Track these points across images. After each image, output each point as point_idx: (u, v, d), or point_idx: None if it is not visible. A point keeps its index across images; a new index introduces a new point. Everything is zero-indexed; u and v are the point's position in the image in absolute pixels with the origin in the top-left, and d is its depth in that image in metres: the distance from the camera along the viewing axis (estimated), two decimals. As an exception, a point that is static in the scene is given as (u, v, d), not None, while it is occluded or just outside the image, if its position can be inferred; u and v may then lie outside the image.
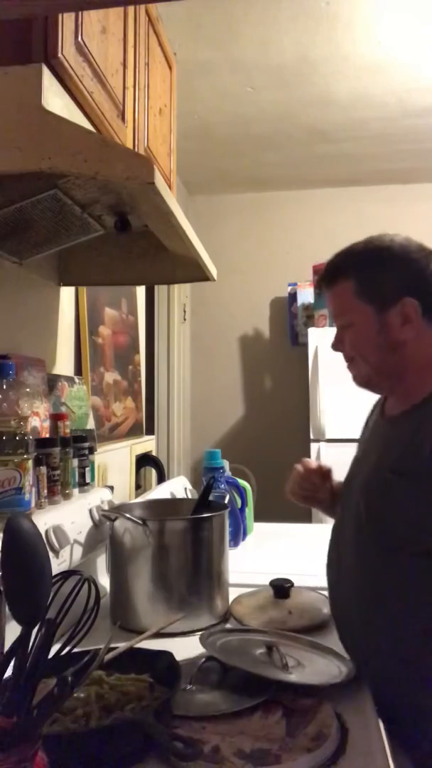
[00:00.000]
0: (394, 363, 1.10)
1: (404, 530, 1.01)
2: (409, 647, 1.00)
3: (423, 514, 0.98)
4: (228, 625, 1.26)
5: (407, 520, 1.01)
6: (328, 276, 1.16)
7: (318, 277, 1.21)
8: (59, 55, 0.94)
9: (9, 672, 0.66)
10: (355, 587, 1.09)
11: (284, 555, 1.85)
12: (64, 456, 1.37)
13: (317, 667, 1.01)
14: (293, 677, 0.95)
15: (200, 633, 1.10)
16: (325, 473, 1.32)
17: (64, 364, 1.75)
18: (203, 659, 1.00)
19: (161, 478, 2.38)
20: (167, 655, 0.93)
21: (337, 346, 1.17)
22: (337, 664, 1.02)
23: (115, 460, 2.01)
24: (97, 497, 1.46)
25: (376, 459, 1.12)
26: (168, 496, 1.92)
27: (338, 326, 1.16)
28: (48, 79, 0.89)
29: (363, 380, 1.15)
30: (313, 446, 3.13)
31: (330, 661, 1.04)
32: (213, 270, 1.57)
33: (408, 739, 0.96)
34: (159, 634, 1.08)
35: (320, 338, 3.15)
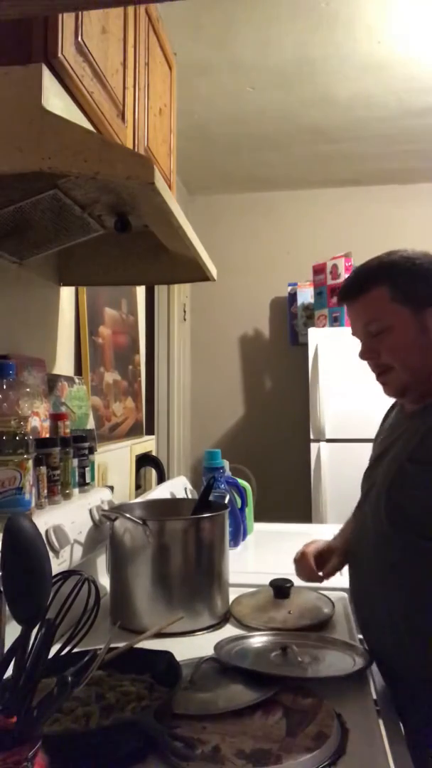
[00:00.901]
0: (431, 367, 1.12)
1: (422, 518, 1.03)
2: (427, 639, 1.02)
3: None
4: (229, 625, 1.26)
5: (425, 507, 1.03)
6: (358, 285, 1.17)
7: (343, 291, 1.21)
8: (59, 55, 0.94)
9: (9, 672, 0.66)
10: (375, 582, 1.11)
11: (284, 555, 1.84)
12: (64, 456, 1.37)
13: (332, 660, 1.04)
14: (310, 673, 0.98)
15: (201, 635, 1.11)
16: (323, 552, 1.32)
17: (64, 364, 1.75)
18: (203, 659, 1.00)
19: (161, 478, 2.38)
20: (167, 655, 0.93)
21: (369, 354, 1.17)
22: (349, 654, 1.06)
23: (115, 460, 2.01)
24: (97, 497, 1.46)
25: (396, 451, 1.14)
26: (168, 496, 1.92)
27: (371, 333, 1.15)
28: (48, 79, 0.89)
29: (399, 389, 1.16)
30: (313, 446, 3.13)
31: (343, 653, 1.07)
32: (213, 270, 1.57)
33: (421, 734, 0.98)
34: (159, 634, 1.08)
35: (320, 338, 3.14)
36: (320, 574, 1.27)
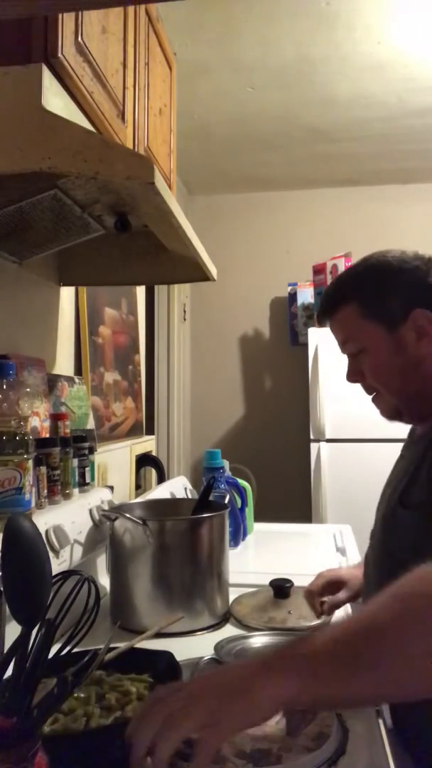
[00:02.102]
0: (418, 384, 1.02)
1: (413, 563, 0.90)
2: None
3: (424, 547, 0.88)
4: (229, 625, 1.26)
5: (414, 554, 0.89)
6: (329, 305, 1.10)
7: (319, 311, 1.13)
8: (59, 55, 0.94)
9: (9, 672, 0.66)
10: None
11: (284, 555, 1.85)
12: (64, 456, 1.37)
13: None
14: None
15: (201, 635, 1.10)
16: (333, 582, 1.24)
17: (64, 364, 1.75)
18: (203, 659, 1.00)
19: (161, 478, 2.38)
20: (167, 655, 0.93)
21: (354, 377, 1.09)
22: None
23: (115, 460, 2.01)
24: (97, 497, 1.46)
25: (393, 486, 1.07)
26: (168, 496, 1.92)
27: (350, 355, 1.09)
28: (48, 79, 0.89)
29: (391, 413, 1.08)
30: (313, 446, 3.13)
31: None
32: (213, 270, 1.57)
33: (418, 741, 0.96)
34: (159, 634, 1.08)
35: (320, 338, 3.15)
36: (320, 611, 1.20)
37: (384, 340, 1.03)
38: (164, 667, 0.91)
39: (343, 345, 1.10)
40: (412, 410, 1.05)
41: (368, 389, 1.10)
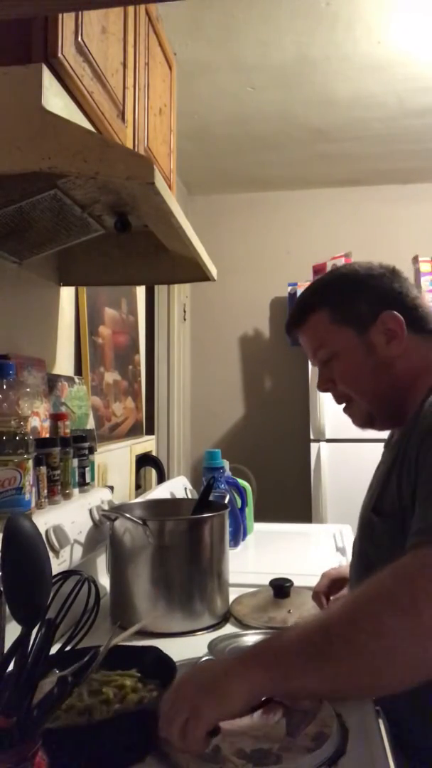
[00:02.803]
0: (389, 385, 1.04)
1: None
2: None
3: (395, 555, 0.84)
4: (228, 625, 1.26)
5: (388, 562, 0.89)
6: (298, 315, 1.11)
7: (287, 322, 1.15)
8: (59, 55, 0.94)
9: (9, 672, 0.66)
10: None
11: (284, 555, 1.85)
12: (64, 456, 1.37)
13: None
14: None
15: (201, 635, 1.10)
16: (336, 580, 1.24)
17: (64, 364, 1.75)
18: (202, 659, 1.00)
19: (161, 478, 2.38)
20: (153, 650, 0.93)
21: (325, 385, 1.10)
22: None
23: (115, 460, 2.01)
24: (97, 497, 1.46)
25: (369, 495, 1.07)
26: (168, 496, 1.92)
27: (321, 362, 1.10)
28: (48, 79, 0.89)
29: (364, 419, 1.09)
30: (313, 446, 3.14)
31: None
32: (213, 270, 1.57)
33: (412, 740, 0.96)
34: (159, 635, 1.08)
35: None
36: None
37: (355, 343, 1.05)
38: (152, 661, 0.91)
39: (315, 353, 1.10)
40: (383, 413, 1.06)
41: (339, 398, 1.11)
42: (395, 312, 1.03)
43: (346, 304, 1.06)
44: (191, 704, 0.74)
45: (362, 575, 0.99)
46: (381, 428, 1.11)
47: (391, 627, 0.71)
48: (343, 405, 1.12)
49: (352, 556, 1.11)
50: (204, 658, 1.00)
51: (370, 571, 0.82)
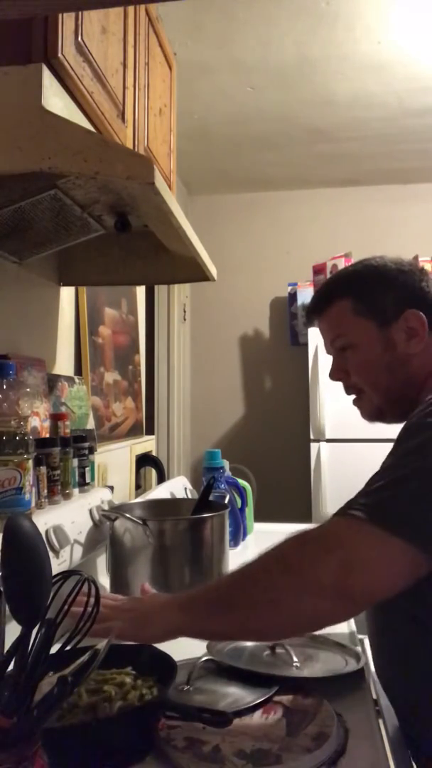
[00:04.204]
0: (403, 382, 1.04)
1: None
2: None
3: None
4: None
5: None
6: (322, 300, 1.11)
7: (310, 307, 1.14)
8: (59, 55, 0.94)
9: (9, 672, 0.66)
10: (372, 633, 1.05)
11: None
12: (64, 456, 1.37)
13: (324, 661, 1.03)
14: (305, 673, 0.97)
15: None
16: None
17: (64, 364, 1.75)
18: (202, 659, 1.00)
19: (161, 478, 2.38)
20: (148, 648, 0.93)
21: (337, 374, 1.10)
22: (341, 654, 1.05)
23: (115, 460, 2.01)
24: (97, 497, 1.46)
25: None
26: (168, 496, 1.92)
27: (337, 350, 1.10)
28: (48, 79, 0.89)
29: (375, 412, 1.09)
30: (313, 446, 3.14)
31: (334, 653, 1.06)
32: (213, 270, 1.57)
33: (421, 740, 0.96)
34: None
35: (320, 338, 3.14)
36: None
37: (375, 337, 1.05)
38: (146, 658, 0.91)
39: (333, 341, 1.10)
40: (394, 408, 1.06)
41: (350, 389, 1.11)
42: (420, 311, 1.04)
43: (372, 296, 1.06)
44: (129, 614, 0.93)
45: None
46: (390, 422, 1.11)
47: (279, 583, 0.83)
48: (353, 397, 1.12)
49: None
50: (203, 659, 1.00)
51: None
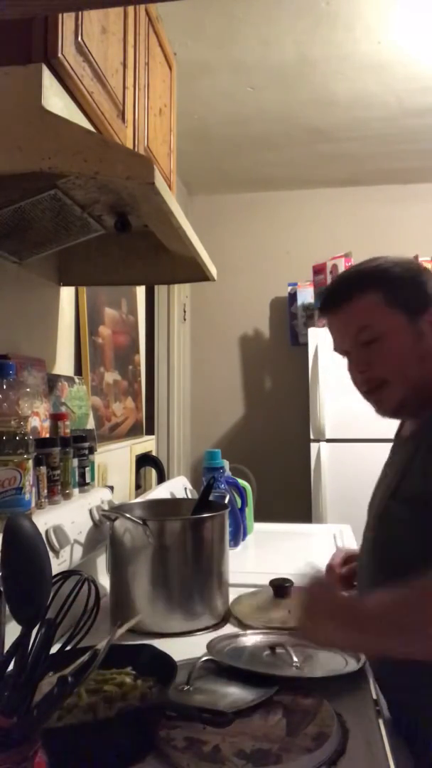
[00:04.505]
0: (430, 373, 1.06)
1: (409, 561, 0.93)
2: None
3: (424, 542, 0.95)
4: (228, 625, 1.26)
5: (411, 549, 0.97)
6: (346, 291, 1.10)
7: (330, 298, 1.13)
8: (59, 55, 0.94)
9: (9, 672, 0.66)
10: None
11: (284, 555, 1.85)
12: (64, 456, 1.37)
13: (324, 661, 1.03)
14: (305, 673, 0.97)
15: (200, 635, 1.10)
16: (347, 558, 1.29)
17: (64, 364, 1.75)
18: (202, 659, 1.00)
19: (161, 478, 2.38)
20: (148, 648, 0.93)
21: (362, 367, 1.09)
22: (340, 654, 1.05)
23: (115, 460, 2.01)
24: (97, 497, 1.46)
25: (386, 485, 1.09)
26: (168, 496, 1.92)
27: (362, 343, 1.08)
28: (48, 79, 0.89)
29: (395, 406, 1.08)
30: (313, 446, 3.13)
31: (333, 653, 1.06)
32: (213, 270, 1.57)
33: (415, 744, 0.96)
34: (159, 635, 1.08)
35: (320, 338, 3.14)
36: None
37: (405, 328, 1.06)
38: (146, 659, 0.91)
39: (357, 333, 1.08)
40: (417, 401, 1.06)
41: (371, 381, 1.09)
42: None
43: (403, 290, 1.08)
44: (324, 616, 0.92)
45: (377, 557, 1.05)
46: (405, 418, 1.12)
47: None
48: (369, 391, 1.10)
49: (365, 542, 1.13)
50: (203, 659, 1.00)
51: (387, 552, 1.02)
